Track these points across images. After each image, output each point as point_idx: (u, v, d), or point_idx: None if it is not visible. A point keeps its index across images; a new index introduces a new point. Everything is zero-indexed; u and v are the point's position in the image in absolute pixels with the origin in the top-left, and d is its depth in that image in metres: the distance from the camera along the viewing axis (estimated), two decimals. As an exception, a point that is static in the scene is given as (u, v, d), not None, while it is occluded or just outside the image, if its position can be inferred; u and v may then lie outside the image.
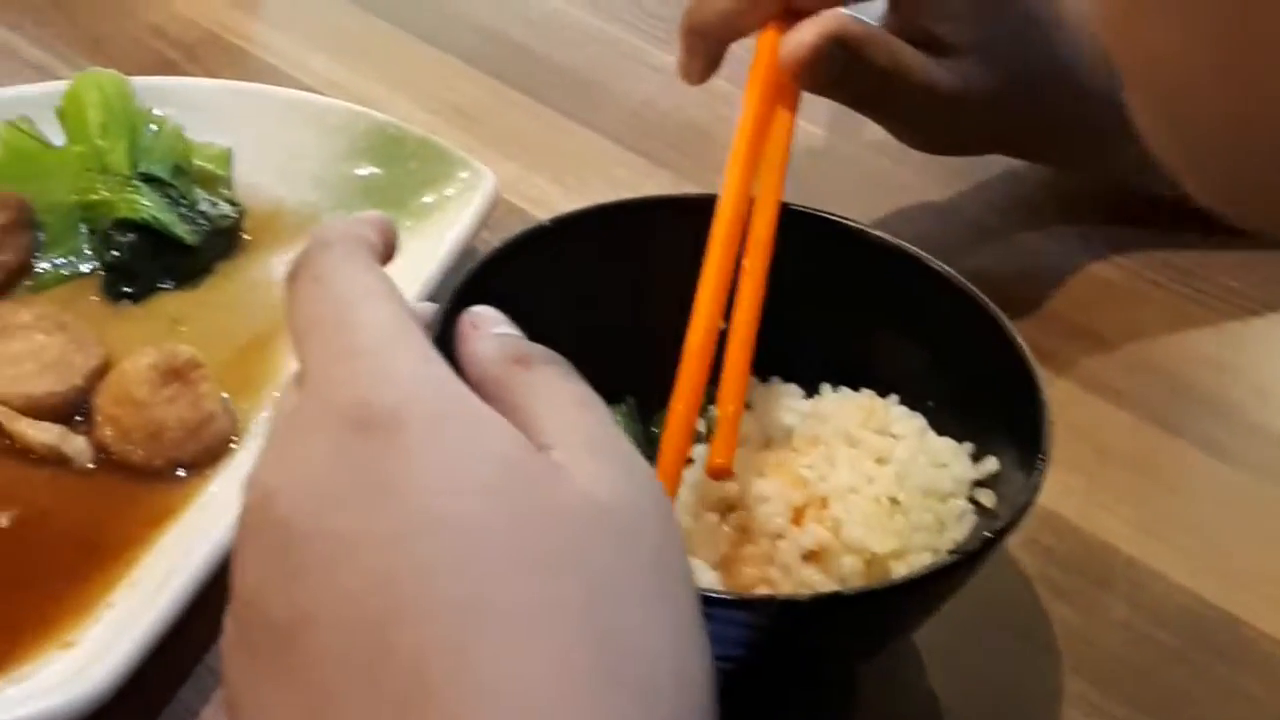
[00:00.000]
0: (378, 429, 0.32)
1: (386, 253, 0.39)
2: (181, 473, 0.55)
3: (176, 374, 0.56)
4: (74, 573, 0.51)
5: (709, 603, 0.35)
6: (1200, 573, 0.56)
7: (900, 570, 0.43)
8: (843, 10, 0.58)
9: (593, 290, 0.52)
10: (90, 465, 0.55)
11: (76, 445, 0.55)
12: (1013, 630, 0.54)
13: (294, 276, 0.37)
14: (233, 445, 0.56)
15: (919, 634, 0.51)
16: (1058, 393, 0.63)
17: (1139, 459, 0.61)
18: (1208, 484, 0.61)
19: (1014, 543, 0.56)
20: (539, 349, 0.37)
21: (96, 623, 0.49)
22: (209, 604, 0.49)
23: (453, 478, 0.31)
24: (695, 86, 0.63)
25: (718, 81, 0.82)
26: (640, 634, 0.31)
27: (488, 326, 0.38)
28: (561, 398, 0.35)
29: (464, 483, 0.31)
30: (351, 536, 0.31)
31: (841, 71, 0.57)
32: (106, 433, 0.55)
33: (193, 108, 0.68)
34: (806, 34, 0.56)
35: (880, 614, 0.42)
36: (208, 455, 0.55)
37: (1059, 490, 0.59)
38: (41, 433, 0.55)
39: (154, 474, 0.55)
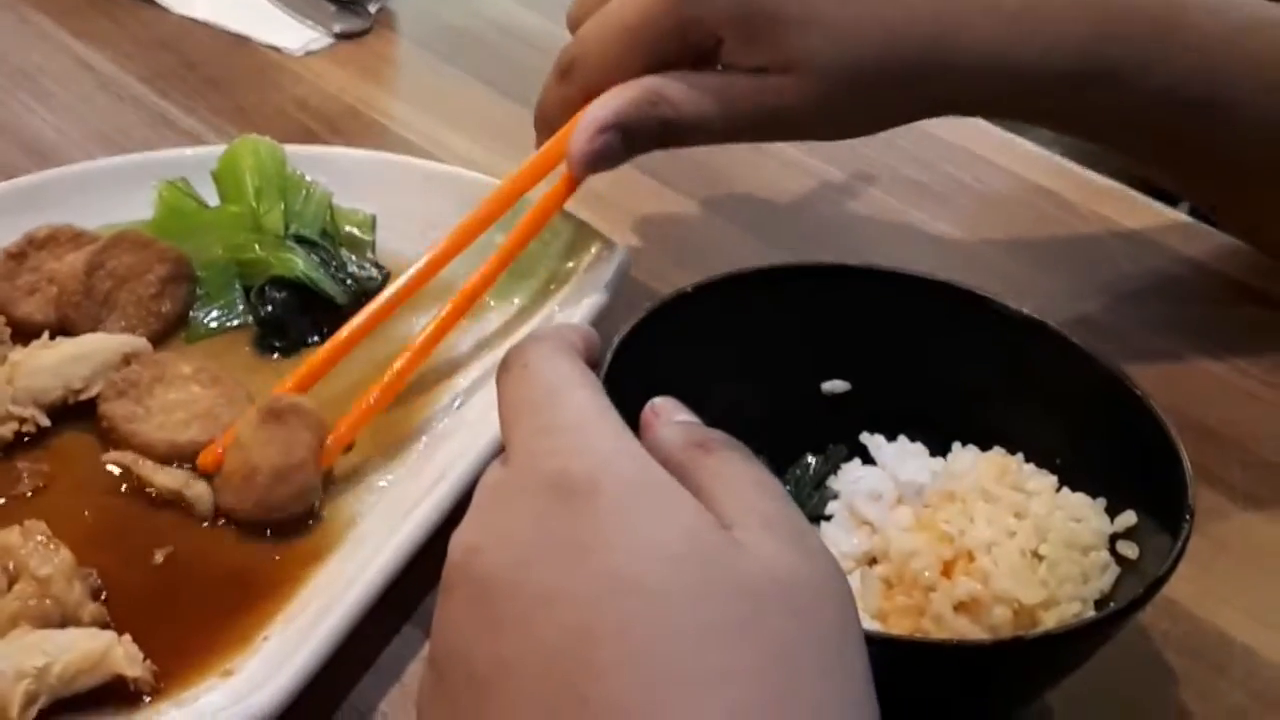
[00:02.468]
0: (576, 494, 0.35)
1: (589, 356, 0.42)
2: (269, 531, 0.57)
3: (277, 417, 0.58)
4: (228, 608, 0.54)
5: (882, 644, 0.36)
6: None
7: (1049, 620, 0.45)
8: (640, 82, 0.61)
9: (726, 355, 0.54)
10: (208, 511, 0.57)
11: (198, 490, 0.57)
12: (1127, 709, 0.55)
13: (505, 366, 0.40)
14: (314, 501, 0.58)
15: (1037, 713, 0.53)
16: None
17: (1252, 551, 0.62)
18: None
19: (1130, 628, 0.57)
20: (718, 434, 0.39)
21: (254, 654, 0.51)
22: (357, 643, 0.52)
23: (645, 543, 0.34)
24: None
25: (831, 170, 0.85)
26: (815, 703, 0.33)
27: (669, 414, 0.41)
28: (741, 480, 0.37)
29: (655, 549, 0.34)
30: (550, 592, 0.34)
31: (632, 145, 0.61)
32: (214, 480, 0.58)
33: (341, 176, 0.72)
34: (578, 141, 0.61)
35: (1042, 661, 0.43)
36: (294, 501, 0.57)
37: (1173, 578, 0.60)
38: (167, 477, 0.58)
39: (252, 524, 0.57)
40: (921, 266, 0.61)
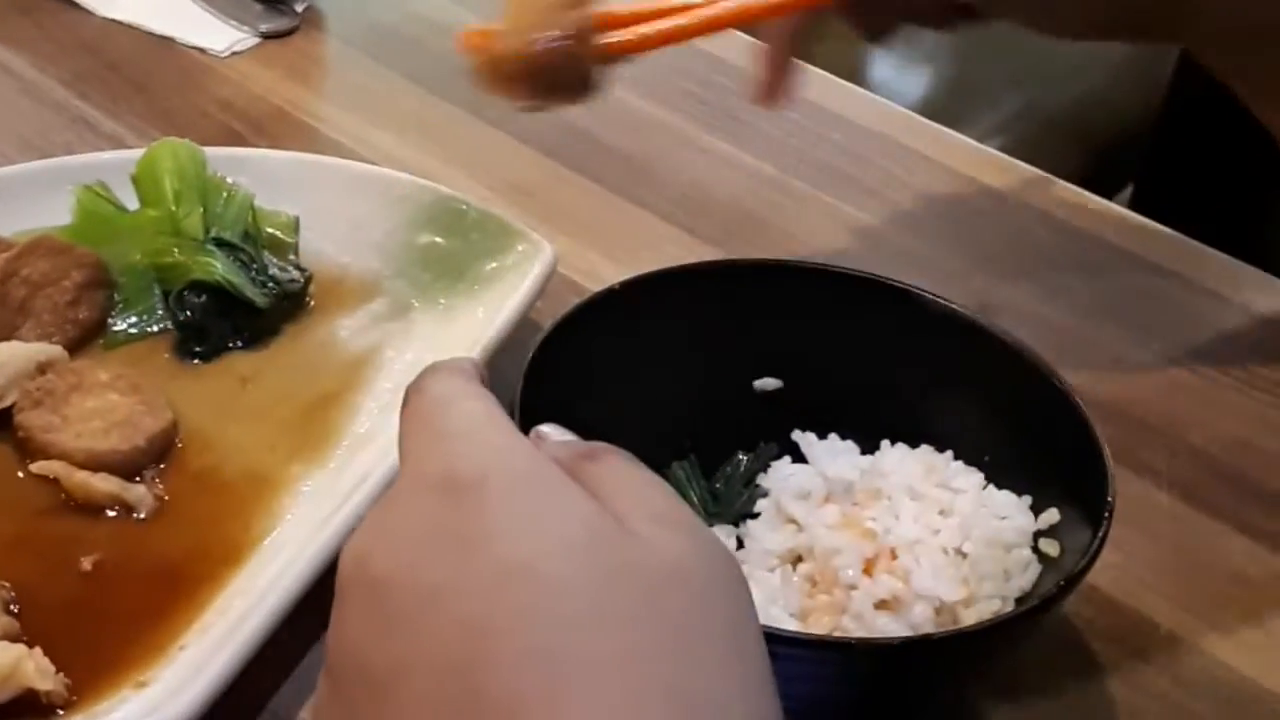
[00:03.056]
0: (466, 490, 0.35)
1: (480, 380, 0.41)
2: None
3: None
4: (149, 615, 0.53)
5: (797, 644, 0.36)
6: (1239, 648, 0.57)
7: (970, 618, 0.45)
8: None
9: (656, 353, 0.54)
10: (144, 515, 0.57)
11: (137, 493, 0.57)
12: (1053, 699, 0.55)
13: (404, 398, 0.40)
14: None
15: (957, 704, 0.53)
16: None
17: (1178, 538, 0.62)
18: (1247, 564, 0.62)
19: (1054, 616, 0.58)
20: (602, 444, 0.39)
21: (170, 664, 0.51)
22: (276, 650, 0.51)
23: (537, 533, 0.34)
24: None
25: (763, 165, 0.85)
26: (714, 688, 0.33)
27: (553, 437, 0.40)
28: (630, 481, 0.37)
29: (548, 537, 0.34)
30: (442, 587, 0.33)
31: None
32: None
33: (263, 177, 0.71)
34: None
35: (961, 658, 0.43)
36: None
37: (1097, 565, 0.60)
38: (102, 482, 0.57)
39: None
40: (853, 260, 0.61)
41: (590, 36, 0.53)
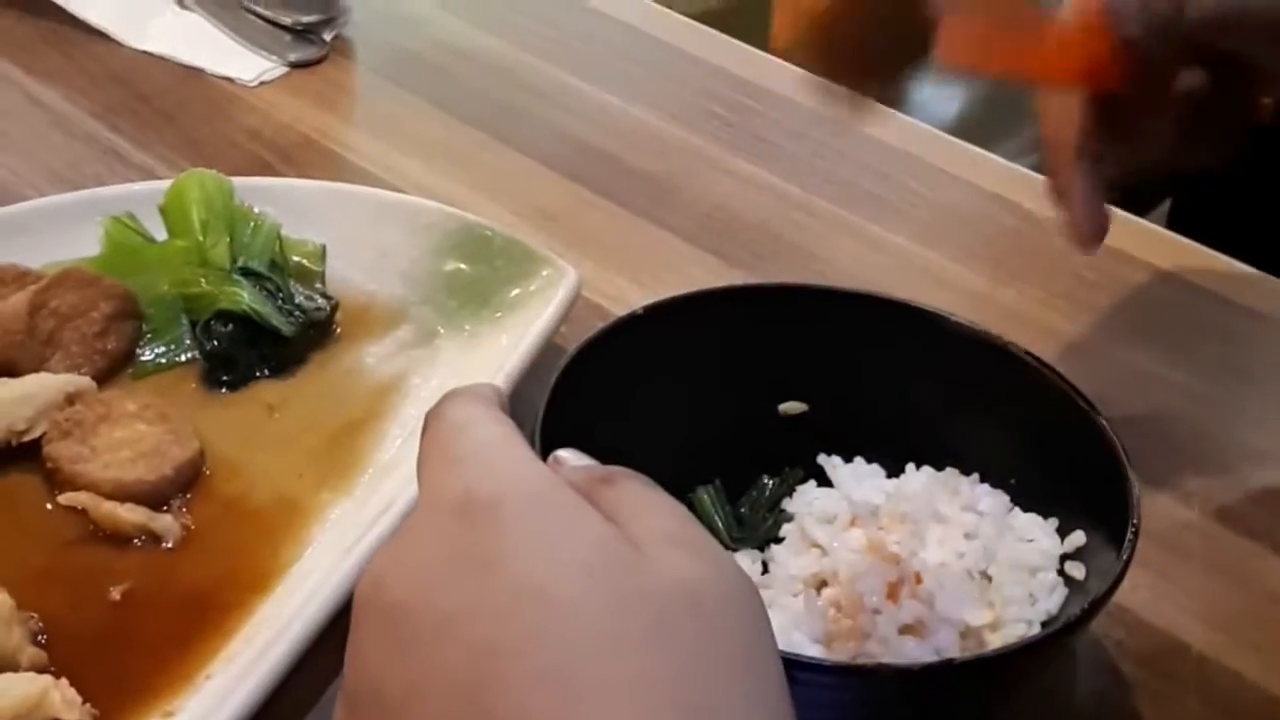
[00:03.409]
0: (480, 513, 0.35)
1: (500, 405, 0.41)
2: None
3: None
4: (176, 644, 0.54)
5: (818, 670, 0.36)
6: (1271, 669, 0.56)
7: (995, 642, 0.45)
8: None
9: (681, 377, 0.54)
10: (171, 544, 0.58)
11: (164, 523, 0.58)
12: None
13: (424, 424, 0.40)
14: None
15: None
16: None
17: (1209, 558, 0.62)
18: (1277, 583, 0.61)
19: (1083, 637, 0.57)
20: (619, 469, 0.39)
21: (196, 693, 0.51)
22: (301, 678, 0.51)
23: (551, 555, 0.34)
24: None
25: (789, 186, 0.85)
26: (729, 710, 0.32)
27: (570, 462, 0.40)
28: (645, 504, 0.37)
29: (561, 561, 0.34)
30: (456, 610, 0.33)
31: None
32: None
33: (289, 206, 0.71)
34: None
35: (986, 682, 0.43)
36: None
37: (1128, 586, 0.59)
38: (129, 513, 0.58)
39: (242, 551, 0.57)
40: (880, 280, 0.61)
41: None
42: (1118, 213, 0.84)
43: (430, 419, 0.39)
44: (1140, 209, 1.23)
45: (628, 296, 0.74)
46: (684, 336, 0.54)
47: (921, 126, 0.93)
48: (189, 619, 0.55)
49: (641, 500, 0.37)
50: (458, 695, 0.32)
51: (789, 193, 0.85)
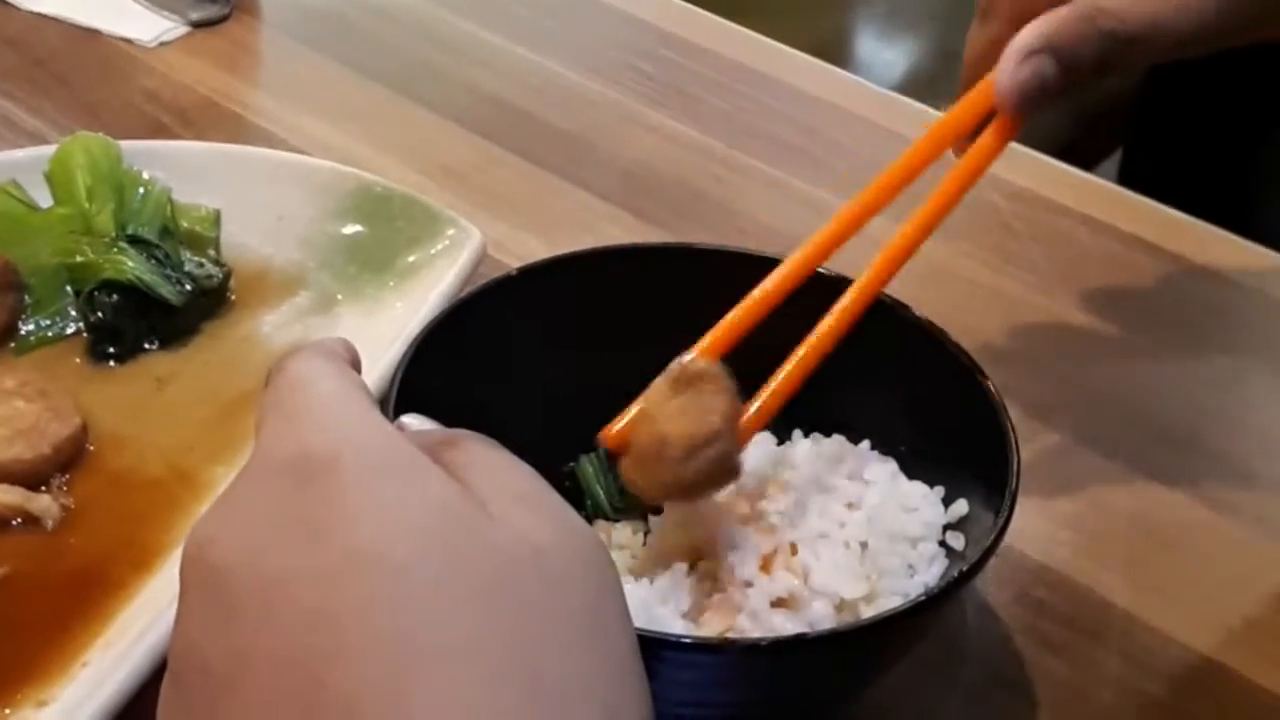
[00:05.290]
0: (315, 471, 0.32)
1: (351, 361, 0.39)
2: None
3: (688, 383, 0.48)
4: (55, 630, 0.51)
5: (669, 647, 0.34)
6: (1195, 626, 0.55)
7: (869, 614, 0.43)
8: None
9: (564, 340, 0.51)
10: (50, 525, 0.55)
11: (42, 504, 0.55)
12: (1003, 685, 0.53)
13: (267, 378, 0.38)
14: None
15: (903, 687, 0.51)
16: (1050, 446, 0.63)
17: (1133, 512, 0.60)
18: (1204, 537, 0.60)
19: (1005, 596, 0.56)
20: (465, 431, 0.37)
21: (72, 681, 0.49)
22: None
23: (389, 518, 0.32)
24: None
25: (708, 140, 0.83)
26: (572, 671, 0.31)
27: (413, 427, 0.39)
28: (492, 464, 0.35)
29: (400, 524, 0.32)
30: (286, 575, 0.31)
31: (1070, 71, 0.52)
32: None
33: (181, 170, 0.69)
34: (1004, 73, 0.52)
35: (844, 658, 0.41)
36: (711, 478, 0.47)
37: (1050, 543, 0.58)
38: (5, 494, 0.55)
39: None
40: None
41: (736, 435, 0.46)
42: (1056, 164, 0.83)
43: (273, 373, 0.37)
44: (1095, 157, 1.21)
45: (539, 257, 0.72)
46: (564, 298, 0.51)
47: (846, 77, 0.91)
48: (69, 602, 0.53)
49: (488, 461, 0.35)
50: (288, 665, 0.30)
51: (710, 148, 0.82)
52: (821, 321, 0.48)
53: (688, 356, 0.47)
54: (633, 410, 0.46)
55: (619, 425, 0.47)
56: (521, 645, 0.30)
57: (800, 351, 0.48)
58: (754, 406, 0.47)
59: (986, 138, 0.52)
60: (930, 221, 0.51)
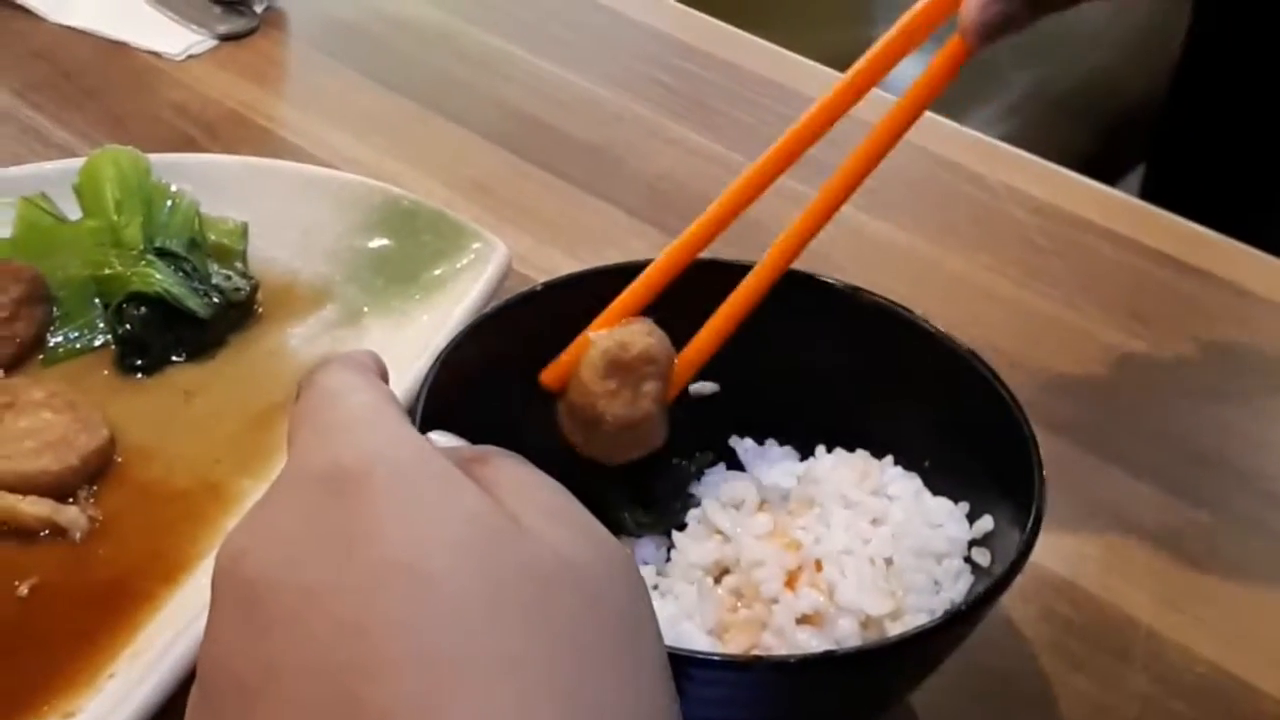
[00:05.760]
0: (349, 484, 0.32)
1: (379, 374, 0.39)
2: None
3: (625, 369, 0.49)
4: (83, 641, 0.52)
5: (696, 664, 0.34)
6: (1221, 644, 0.55)
7: (897, 632, 0.43)
8: None
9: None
10: (78, 537, 0.55)
11: (70, 515, 0.56)
12: (1028, 701, 0.53)
13: (297, 392, 0.38)
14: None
15: (928, 703, 0.50)
16: (1076, 464, 0.63)
17: (1159, 530, 0.60)
18: (1230, 555, 0.59)
19: (1030, 613, 0.55)
20: (491, 447, 0.37)
21: (98, 693, 0.49)
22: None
23: (423, 532, 0.31)
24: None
25: (732, 154, 0.83)
26: (606, 691, 0.31)
27: (440, 443, 0.38)
28: (521, 480, 0.35)
29: (434, 537, 0.31)
30: (320, 588, 0.31)
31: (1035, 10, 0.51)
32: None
33: (209, 183, 0.69)
34: (971, 8, 0.51)
35: (871, 675, 0.41)
36: (639, 448, 0.49)
37: (1076, 560, 0.58)
38: (33, 505, 0.56)
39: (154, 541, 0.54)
40: (827, 250, 0.59)
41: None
42: (1078, 178, 0.83)
43: (304, 386, 0.37)
44: (1119, 171, 1.21)
45: (565, 271, 0.72)
46: (586, 313, 0.51)
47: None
48: (96, 614, 0.53)
49: (517, 477, 0.35)
50: (322, 678, 0.30)
51: (734, 161, 0.82)
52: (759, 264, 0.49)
53: (626, 336, 0.47)
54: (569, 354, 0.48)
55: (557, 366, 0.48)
56: (558, 661, 0.30)
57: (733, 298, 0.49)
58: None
59: (947, 57, 0.51)
60: (880, 150, 0.52)
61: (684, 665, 0.38)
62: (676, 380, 0.48)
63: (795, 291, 0.51)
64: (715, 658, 0.41)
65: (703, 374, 0.50)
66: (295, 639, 0.31)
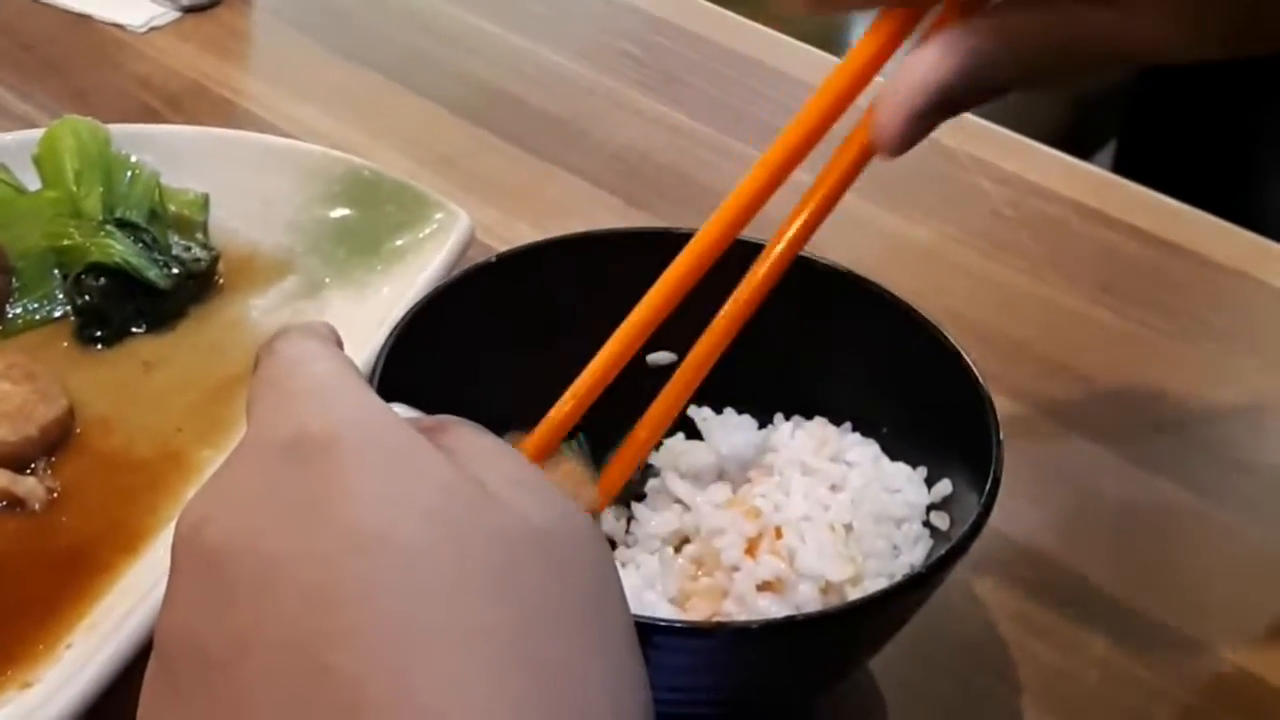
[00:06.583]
0: (314, 452, 0.32)
1: (336, 343, 0.39)
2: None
3: None
4: (41, 611, 0.51)
5: (660, 631, 0.34)
6: (1180, 609, 0.55)
7: (857, 596, 0.43)
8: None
9: (543, 327, 0.51)
10: (36, 507, 0.55)
11: (28, 486, 0.55)
12: (989, 668, 0.53)
13: (255, 361, 0.37)
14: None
15: (889, 671, 0.51)
16: (1039, 432, 0.63)
17: (1121, 498, 0.60)
18: (1192, 523, 0.60)
19: (991, 580, 0.55)
20: (451, 417, 0.37)
21: (56, 663, 0.49)
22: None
23: (391, 498, 0.31)
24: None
25: (698, 125, 0.83)
26: (577, 660, 0.31)
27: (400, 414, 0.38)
28: (484, 448, 0.35)
29: (404, 504, 0.31)
30: (286, 556, 0.30)
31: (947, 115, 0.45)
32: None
33: (170, 155, 0.68)
34: (885, 112, 0.45)
35: (832, 639, 0.41)
36: None
37: (1038, 527, 0.58)
38: None
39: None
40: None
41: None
42: (1044, 149, 0.83)
43: (263, 354, 0.37)
44: (1091, 147, 1.21)
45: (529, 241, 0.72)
46: (542, 284, 0.51)
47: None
48: (54, 584, 0.53)
49: (481, 445, 0.35)
50: (288, 649, 0.29)
51: (700, 133, 0.82)
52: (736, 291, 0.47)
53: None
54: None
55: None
56: (528, 629, 0.30)
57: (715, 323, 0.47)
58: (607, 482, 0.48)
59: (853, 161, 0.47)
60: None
61: (648, 633, 0.38)
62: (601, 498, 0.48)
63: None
64: (678, 624, 0.40)
65: (660, 344, 0.50)
66: (261, 608, 0.30)
